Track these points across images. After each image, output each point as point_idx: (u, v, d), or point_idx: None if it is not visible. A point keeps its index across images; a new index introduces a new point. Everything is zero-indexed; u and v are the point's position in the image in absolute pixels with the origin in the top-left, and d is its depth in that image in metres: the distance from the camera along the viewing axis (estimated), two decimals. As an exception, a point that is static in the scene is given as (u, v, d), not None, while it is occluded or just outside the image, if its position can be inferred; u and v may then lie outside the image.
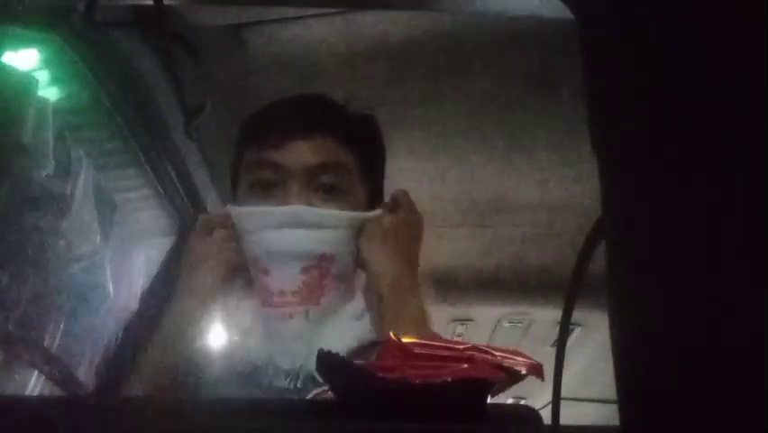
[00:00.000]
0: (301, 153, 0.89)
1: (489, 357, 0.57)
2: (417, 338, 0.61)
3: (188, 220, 1.45)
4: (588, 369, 2.21)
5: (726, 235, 0.34)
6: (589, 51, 0.41)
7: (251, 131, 0.95)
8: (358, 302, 0.91)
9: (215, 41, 1.22)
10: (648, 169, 0.37)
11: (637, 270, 0.37)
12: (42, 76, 1.09)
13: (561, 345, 0.49)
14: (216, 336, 0.94)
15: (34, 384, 1.14)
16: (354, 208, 0.91)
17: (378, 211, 0.93)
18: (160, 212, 1.45)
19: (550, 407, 0.48)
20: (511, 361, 0.57)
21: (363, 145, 0.94)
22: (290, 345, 0.87)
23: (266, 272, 0.88)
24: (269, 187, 0.90)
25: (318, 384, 0.79)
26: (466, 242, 1.87)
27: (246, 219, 0.90)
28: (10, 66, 1.03)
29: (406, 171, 1.55)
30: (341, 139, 0.91)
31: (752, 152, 0.34)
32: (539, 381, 0.58)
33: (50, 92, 1.11)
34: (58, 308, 1.21)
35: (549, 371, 0.51)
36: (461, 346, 0.58)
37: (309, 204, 0.88)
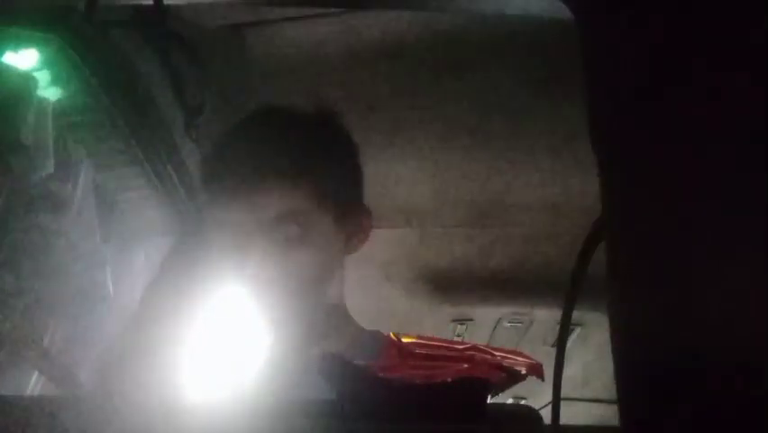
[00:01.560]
0: (254, 211, 0.84)
1: (489, 357, 0.57)
2: (417, 338, 0.61)
3: (188, 220, 1.45)
4: (588, 369, 2.20)
5: (726, 235, 0.34)
6: (589, 51, 0.41)
7: (208, 179, 0.89)
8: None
9: (215, 41, 1.22)
10: (648, 169, 0.37)
11: (637, 270, 0.37)
12: (42, 76, 1.09)
13: (561, 345, 0.49)
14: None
15: (34, 384, 1.14)
16: (321, 248, 0.86)
17: None
18: (160, 212, 1.45)
19: (550, 407, 0.48)
20: (511, 361, 0.57)
21: (320, 170, 0.87)
22: None
23: None
24: (232, 245, 0.85)
25: None
26: (466, 242, 1.87)
27: None
28: (10, 66, 1.03)
29: (406, 171, 1.55)
30: (293, 180, 0.85)
31: (752, 152, 0.34)
32: (539, 381, 0.58)
33: (50, 92, 1.11)
34: (58, 308, 1.21)
35: (549, 371, 0.51)
36: (461, 346, 0.58)
37: (271, 261, 0.84)
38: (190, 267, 0.91)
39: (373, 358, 0.76)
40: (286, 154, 0.85)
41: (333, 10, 1.17)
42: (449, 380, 0.52)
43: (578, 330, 2.09)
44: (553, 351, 0.50)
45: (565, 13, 0.46)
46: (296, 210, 0.84)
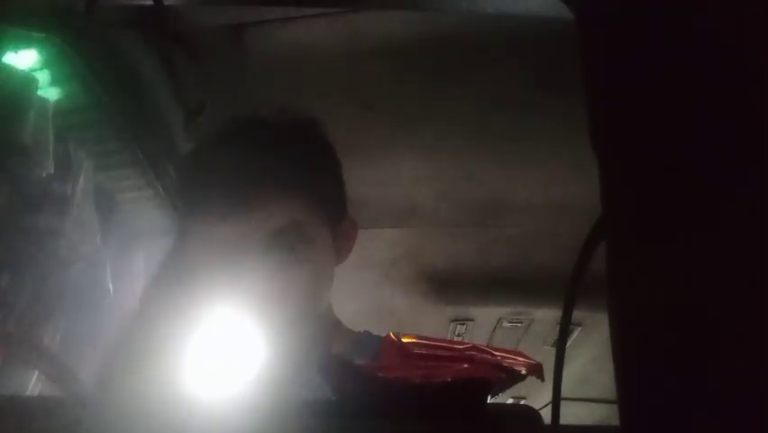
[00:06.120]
0: (250, 226, 0.79)
1: (489, 357, 0.57)
2: (417, 338, 0.61)
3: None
4: (588, 369, 2.20)
5: (727, 234, 0.34)
6: (588, 51, 0.41)
7: (191, 197, 0.84)
8: None
9: (215, 41, 1.22)
10: (647, 168, 0.37)
11: (637, 269, 0.37)
12: (42, 76, 1.09)
13: (561, 345, 0.49)
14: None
15: (34, 384, 1.14)
16: (319, 261, 0.83)
17: None
18: (160, 212, 1.45)
19: (550, 407, 0.48)
20: (511, 361, 0.57)
21: (316, 180, 0.84)
22: None
23: None
24: (224, 263, 0.79)
25: None
26: (466, 242, 1.87)
27: None
28: (10, 66, 1.03)
29: (406, 171, 1.55)
30: (287, 193, 0.81)
31: (752, 150, 0.34)
32: (539, 381, 0.58)
33: (50, 92, 1.11)
34: (58, 308, 1.21)
35: (549, 371, 0.51)
36: (461, 346, 0.58)
37: (269, 276, 0.79)
38: (183, 276, 0.88)
39: (373, 358, 0.76)
40: (283, 164, 0.81)
41: (333, 10, 1.17)
42: (449, 380, 0.52)
43: (578, 330, 2.09)
44: (553, 351, 0.50)
45: (565, 13, 0.47)
46: (297, 222, 0.80)
